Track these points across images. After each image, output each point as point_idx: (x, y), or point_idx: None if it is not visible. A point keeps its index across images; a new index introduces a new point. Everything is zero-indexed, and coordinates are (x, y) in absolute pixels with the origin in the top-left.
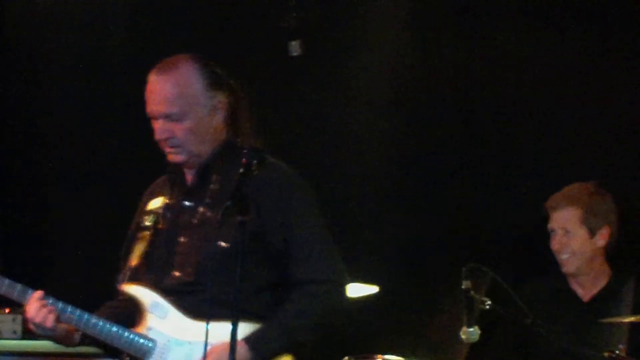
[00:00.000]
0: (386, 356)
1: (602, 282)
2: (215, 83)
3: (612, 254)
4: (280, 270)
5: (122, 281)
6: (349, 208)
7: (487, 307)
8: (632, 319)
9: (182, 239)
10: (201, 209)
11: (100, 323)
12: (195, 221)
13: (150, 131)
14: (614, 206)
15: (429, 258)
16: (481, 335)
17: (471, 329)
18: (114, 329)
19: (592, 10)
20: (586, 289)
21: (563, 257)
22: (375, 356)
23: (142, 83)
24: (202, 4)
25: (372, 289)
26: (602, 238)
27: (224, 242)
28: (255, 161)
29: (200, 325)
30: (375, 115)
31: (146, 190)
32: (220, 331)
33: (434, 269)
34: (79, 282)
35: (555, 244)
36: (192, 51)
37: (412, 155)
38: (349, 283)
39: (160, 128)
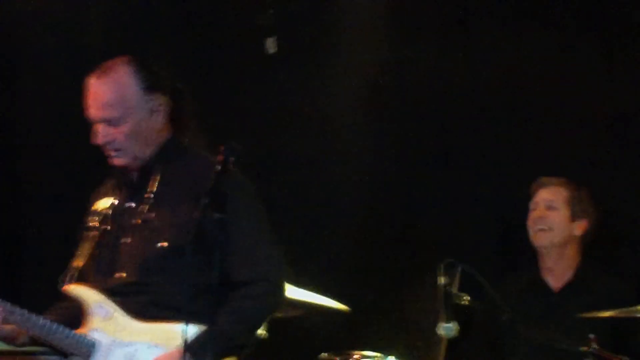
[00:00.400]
0: (363, 352)
1: (572, 272)
2: (153, 85)
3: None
4: (221, 271)
5: (66, 282)
6: (328, 204)
7: (465, 302)
8: (607, 314)
9: (125, 240)
10: (144, 210)
11: (46, 324)
12: (139, 222)
13: None
14: (595, 206)
15: (406, 254)
16: (459, 330)
17: (448, 325)
18: (59, 329)
19: (568, 9)
20: (557, 279)
21: (540, 227)
22: (352, 352)
23: None
24: (179, 3)
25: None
26: (579, 228)
27: (164, 242)
28: (232, 158)
29: (144, 326)
30: (352, 112)
31: (94, 192)
32: (163, 332)
33: (411, 265)
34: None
35: (535, 214)
36: (171, 49)
37: (389, 152)
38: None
39: (100, 133)
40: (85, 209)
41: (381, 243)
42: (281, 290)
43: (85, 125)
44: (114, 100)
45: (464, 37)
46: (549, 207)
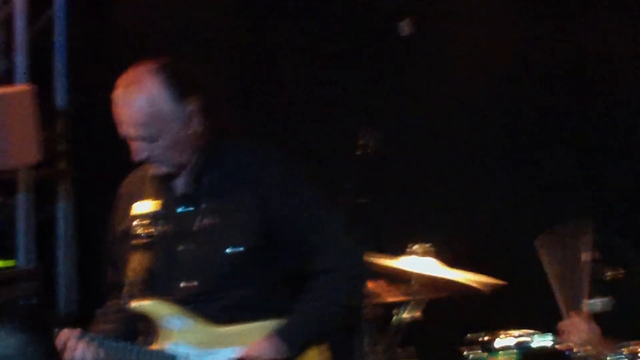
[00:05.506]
0: (510, 331)
1: None
2: (185, 91)
3: None
4: (296, 261)
5: (130, 297)
6: (463, 186)
7: (608, 277)
8: None
9: (182, 248)
10: (199, 216)
11: (123, 346)
12: (200, 228)
13: None
14: None
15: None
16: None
17: (592, 301)
18: (139, 350)
19: None
20: None
21: None
22: (498, 332)
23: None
24: None
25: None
26: None
27: (232, 247)
28: (371, 141)
29: (226, 330)
30: (486, 93)
31: (121, 189)
32: (249, 333)
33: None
34: None
35: None
36: (303, 35)
37: (523, 129)
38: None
39: (137, 149)
40: (115, 208)
41: (526, 219)
42: (363, 272)
43: None
44: (147, 118)
45: (598, 18)
46: None
